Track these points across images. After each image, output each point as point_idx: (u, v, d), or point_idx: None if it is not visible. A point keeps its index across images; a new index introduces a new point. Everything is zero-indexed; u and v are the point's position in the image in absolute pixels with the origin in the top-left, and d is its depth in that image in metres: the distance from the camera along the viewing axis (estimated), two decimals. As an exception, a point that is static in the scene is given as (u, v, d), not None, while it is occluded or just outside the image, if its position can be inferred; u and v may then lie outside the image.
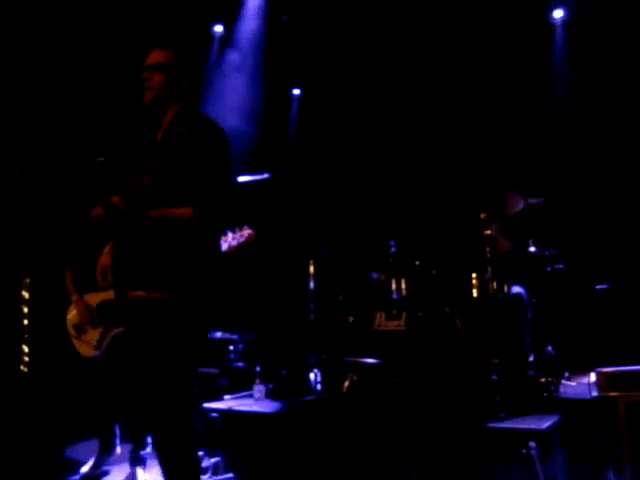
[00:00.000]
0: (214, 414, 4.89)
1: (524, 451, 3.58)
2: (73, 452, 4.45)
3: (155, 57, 3.17)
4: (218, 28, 6.93)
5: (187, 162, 2.96)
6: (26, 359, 5.94)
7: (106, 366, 3.80)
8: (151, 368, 2.87)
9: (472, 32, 6.23)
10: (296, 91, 7.67)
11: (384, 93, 6.48)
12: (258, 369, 5.46)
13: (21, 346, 6.10)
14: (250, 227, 3.91)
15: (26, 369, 5.86)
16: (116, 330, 3.67)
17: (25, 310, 6.45)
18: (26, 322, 6.47)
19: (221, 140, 3.06)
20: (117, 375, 3.78)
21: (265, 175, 5.05)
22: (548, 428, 3.89)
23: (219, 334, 5.81)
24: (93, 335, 3.81)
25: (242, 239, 3.79)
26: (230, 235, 3.64)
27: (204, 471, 3.99)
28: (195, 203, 2.92)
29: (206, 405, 4.95)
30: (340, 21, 6.35)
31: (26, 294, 6.22)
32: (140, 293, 2.88)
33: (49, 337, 4.95)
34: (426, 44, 6.33)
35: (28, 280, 5.95)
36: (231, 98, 6.42)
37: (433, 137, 6.31)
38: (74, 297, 4.05)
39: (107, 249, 3.27)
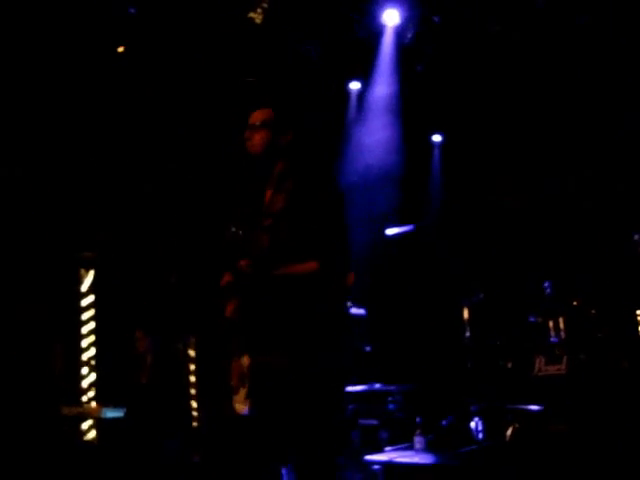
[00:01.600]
0: (376, 466, 4.87)
1: None
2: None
3: (256, 117, 3.25)
4: (354, 85, 7.04)
5: (301, 217, 3.01)
6: (195, 414, 6.26)
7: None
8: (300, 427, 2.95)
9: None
10: (437, 137, 7.55)
11: (527, 135, 6.32)
12: (418, 420, 5.39)
13: (190, 403, 6.44)
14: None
15: (196, 424, 6.18)
16: None
17: (192, 367, 6.85)
18: (193, 379, 6.86)
19: (334, 191, 3.08)
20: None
21: (410, 227, 5.07)
22: None
23: (378, 386, 5.81)
24: (242, 393, 3.96)
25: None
26: None
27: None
28: (319, 256, 2.95)
29: (367, 457, 4.94)
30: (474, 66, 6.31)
31: (192, 352, 6.61)
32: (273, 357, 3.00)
33: (213, 393, 5.20)
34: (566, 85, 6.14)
35: (194, 340, 6.32)
36: (371, 151, 6.52)
37: (583, 177, 6.06)
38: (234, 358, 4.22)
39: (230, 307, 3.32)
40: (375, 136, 6.68)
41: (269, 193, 3.23)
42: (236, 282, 2.92)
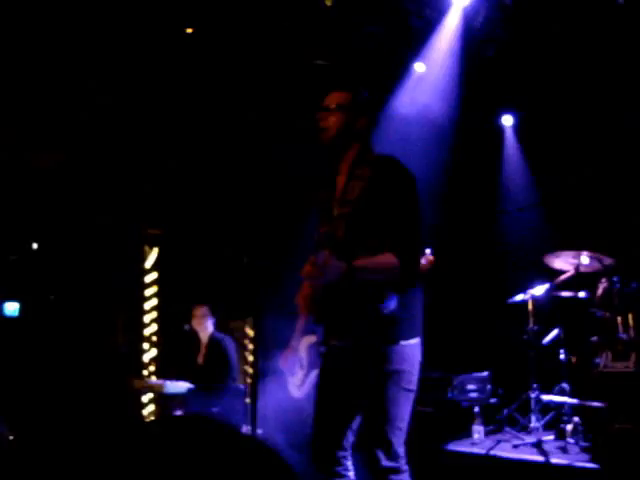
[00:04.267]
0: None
1: None
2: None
3: (331, 99, 3.20)
4: (419, 66, 6.88)
5: (378, 207, 2.98)
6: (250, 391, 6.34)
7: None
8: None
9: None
10: (507, 119, 7.27)
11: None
12: (476, 410, 5.35)
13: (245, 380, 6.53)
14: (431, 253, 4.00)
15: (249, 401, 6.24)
16: (316, 371, 3.82)
17: (250, 346, 6.94)
18: (251, 358, 6.96)
19: (409, 180, 3.03)
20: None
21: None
22: None
23: (436, 373, 5.78)
24: (298, 377, 3.98)
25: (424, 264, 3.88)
26: None
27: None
28: (398, 248, 2.93)
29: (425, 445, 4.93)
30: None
31: (250, 331, 6.69)
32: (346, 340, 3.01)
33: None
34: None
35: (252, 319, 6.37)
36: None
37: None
38: (292, 342, 4.25)
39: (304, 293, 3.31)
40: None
41: (342, 179, 3.20)
42: (319, 273, 2.90)
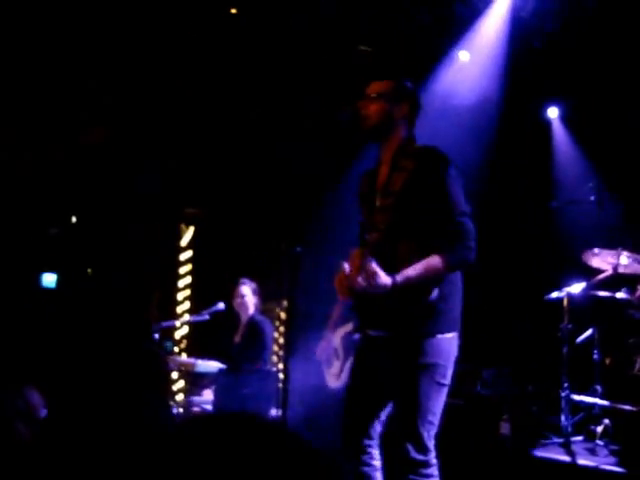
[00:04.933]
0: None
1: None
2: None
3: (372, 87, 3.18)
4: (463, 55, 6.77)
5: (421, 200, 2.95)
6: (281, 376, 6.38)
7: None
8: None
9: None
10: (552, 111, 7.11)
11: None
12: (505, 406, 5.31)
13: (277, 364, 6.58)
14: None
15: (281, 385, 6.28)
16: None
17: (281, 329, 6.98)
18: (282, 340, 7.01)
19: (453, 173, 2.99)
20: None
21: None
22: None
23: (467, 366, 5.74)
24: (335, 367, 3.98)
25: None
26: None
27: None
28: (443, 248, 2.88)
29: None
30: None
31: (283, 314, 6.72)
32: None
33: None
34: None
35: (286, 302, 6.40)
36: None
37: None
38: (328, 331, 4.25)
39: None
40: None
41: (385, 170, 3.18)
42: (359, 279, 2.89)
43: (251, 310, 6.23)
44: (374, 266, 2.83)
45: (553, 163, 6.70)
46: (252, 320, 6.19)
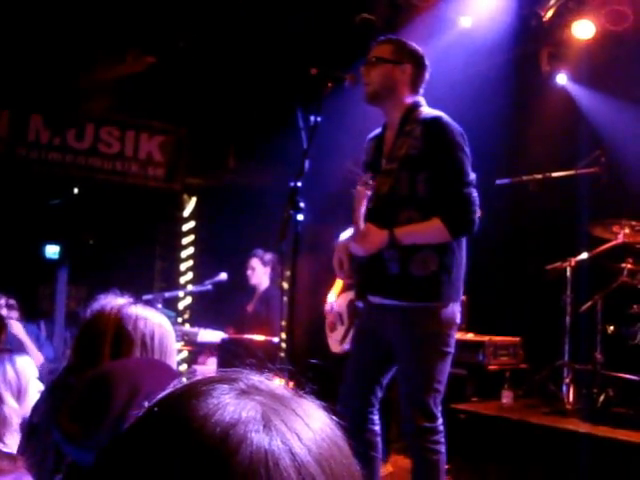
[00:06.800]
0: (461, 415, 4.88)
1: None
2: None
3: (372, 52, 3.12)
4: (465, 21, 6.58)
5: (426, 166, 2.92)
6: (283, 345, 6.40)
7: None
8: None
9: None
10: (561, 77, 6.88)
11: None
12: (507, 375, 5.33)
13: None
14: None
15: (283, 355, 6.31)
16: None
17: (284, 299, 6.95)
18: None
19: (459, 139, 2.96)
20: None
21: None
22: None
23: (470, 335, 5.75)
24: (339, 332, 3.99)
25: None
26: None
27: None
28: (444, 212, 2.87)
29: (453, 406, 4.94)
30: None
31: (285, 285, 6.71)
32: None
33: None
34: None
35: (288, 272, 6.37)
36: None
37: None
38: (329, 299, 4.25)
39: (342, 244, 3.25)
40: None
41: (392, 134, 3.14)
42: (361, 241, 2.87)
43: (263, 282, 6.25)
44: (367, 224, 2.84)
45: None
46: (264, 294, 6.22)
